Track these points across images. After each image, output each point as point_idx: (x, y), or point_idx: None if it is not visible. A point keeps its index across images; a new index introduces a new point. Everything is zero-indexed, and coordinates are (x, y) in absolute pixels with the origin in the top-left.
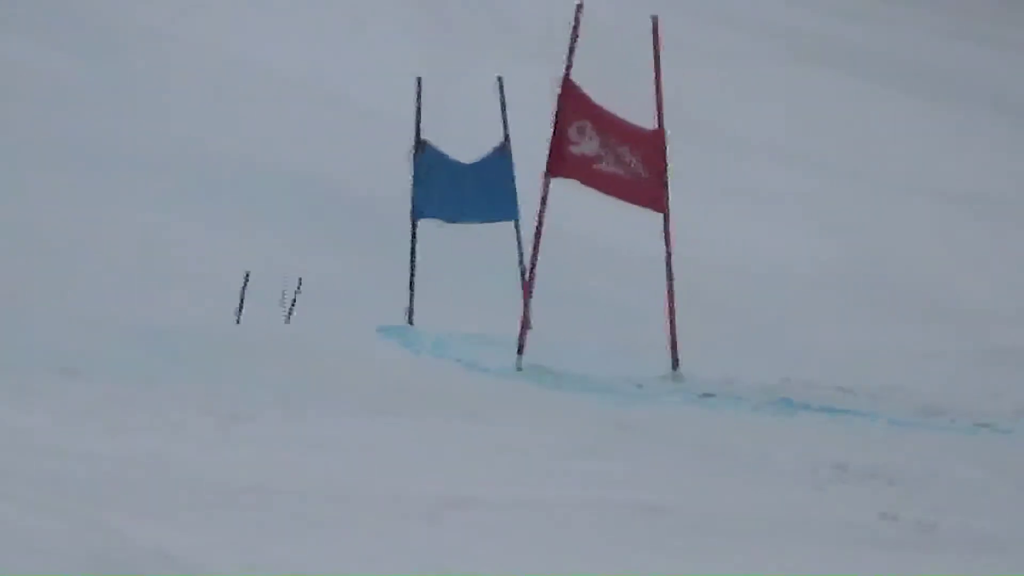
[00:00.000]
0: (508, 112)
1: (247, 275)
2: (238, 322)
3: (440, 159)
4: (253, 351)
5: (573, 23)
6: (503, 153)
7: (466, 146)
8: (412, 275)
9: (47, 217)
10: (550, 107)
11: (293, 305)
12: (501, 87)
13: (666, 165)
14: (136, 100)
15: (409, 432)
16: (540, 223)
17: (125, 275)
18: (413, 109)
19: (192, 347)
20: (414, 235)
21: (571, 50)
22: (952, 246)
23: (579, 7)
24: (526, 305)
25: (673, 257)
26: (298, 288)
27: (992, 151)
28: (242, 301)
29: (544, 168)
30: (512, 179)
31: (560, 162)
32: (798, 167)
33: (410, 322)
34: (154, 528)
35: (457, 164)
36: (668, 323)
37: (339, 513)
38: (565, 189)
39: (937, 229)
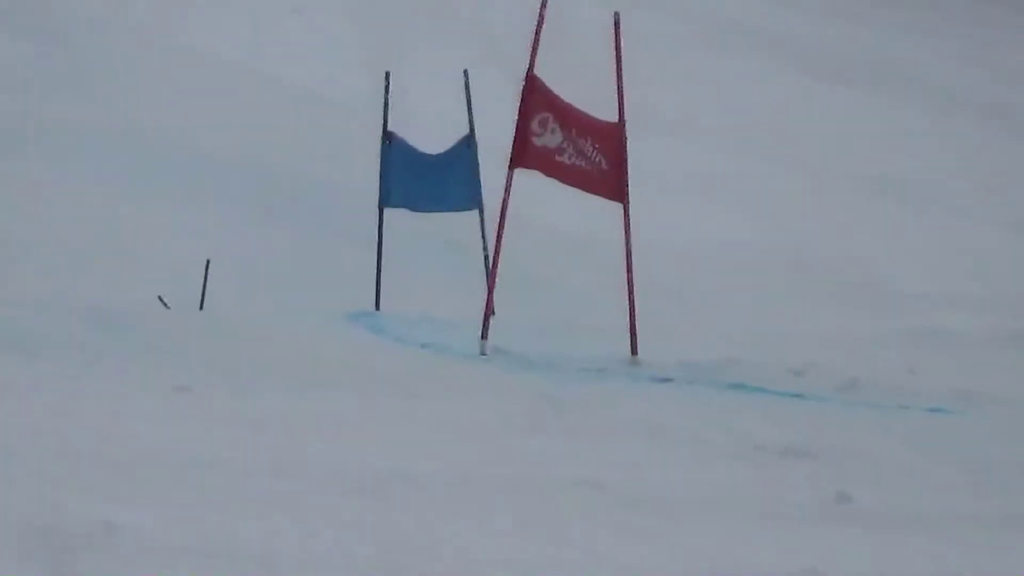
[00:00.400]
0: (440, 101)
1: (208, 263)
2: (201, 308)
3: (407, 150)
4: (203, 332)
5: (537, 20)
6: (468, 144)
7: (403, 129)
8: (379, 262)
9: (4, 194)
10: (487, 90)
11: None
12: (467, 81)
13: (626, 156)
14: (83, 85)
15: (357, 409)
16: (503, 213)
17: (73, 256)
18: (359, 96)
19: (137, 326)
20: (381, 223)
21: (534, 46)
22: (875, 230)
23: (544, 3)
24: (490, 291)
25: (632, 244)
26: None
27: (910, 135)
28: (204, 288)
29: (508, 159)
30: (476, 170)
31: (523, 154)
32: (728, 152)
33: (377, 307)
34: (100, 502)
35: (423, 155)
36: (628, 310)
37: (282, 487)
38: (528, 180)
39: (860, 213)
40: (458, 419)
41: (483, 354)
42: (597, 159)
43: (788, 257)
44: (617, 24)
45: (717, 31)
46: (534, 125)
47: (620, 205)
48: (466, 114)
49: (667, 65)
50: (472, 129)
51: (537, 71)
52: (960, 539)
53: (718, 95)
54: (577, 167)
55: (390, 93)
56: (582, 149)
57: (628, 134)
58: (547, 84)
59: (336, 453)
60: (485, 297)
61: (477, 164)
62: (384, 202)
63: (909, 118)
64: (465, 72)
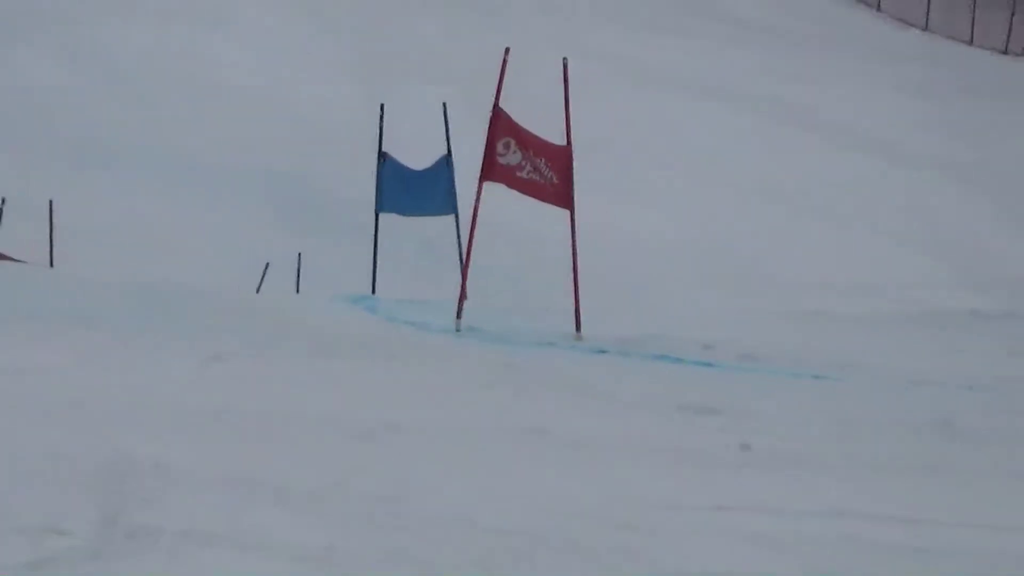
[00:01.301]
0: (423, 128)
1: (267, 265)
2: (258, 291)
3: (397, 166)
4: (231, 309)
5: (502, 64)
6: (446, 162)
7: (394, 149)
8: (375, 255)
9: (66, 200)
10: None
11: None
12: (445, 112)
13: (572, 173)
14: (132, 112)
15: (355, 372)
16: (475, 216)
17: (126, 247)
18: (358, 122)
19: (178, 304)
20: (376, 225)
21: (499, 85)
22: (772, 232)
23: (507, 50)
24: (464, 280)
25: (577, 243)
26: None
27: (804, 160)
28: (262, 280)
29: (479, 174)
30: (453, 182)
31: (491, 170)
32: (655, 168)
33: (373, 292)
34: (150, 444)
35: (410, 170)
36: (573, 295)
37: (295, 433)
38: (495, 191)
39: (760, 219)
40: (436, 380)
41: (457, 330)
42: (549, 175)
43: (702, 253)
44: (565, 67)
45: (646, 73)
46: (499, 147)
47: (568, 212)
48: (444, 138)
49: (604, 100)
50: (449, 150)
51: (502, 105)
52: (836, 478)
53: (647, 123)
54: (534, 181)
55: (384, 121)
56: (538, 167)
57: (574, 154)
58: (510, 115)
59: (338, 406)
60: (460, 285)
61: (453, 178)
62: (379, 208)
63: (804, 145)
64: (444, 105)
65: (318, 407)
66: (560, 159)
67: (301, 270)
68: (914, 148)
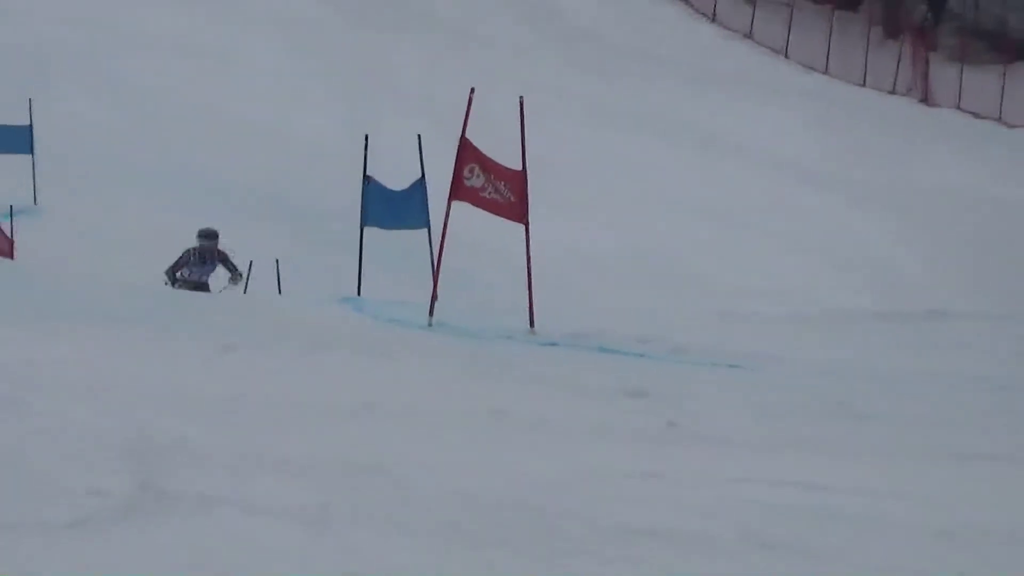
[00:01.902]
0: (401, 155)
1: (277, 261)
2: (279, 292)
3: (379, 187)
4: (238, 308)
5: (468, 101)
6: (421, 184)
7: (375, 172)
8: (360, 262)
9: (92, 212)
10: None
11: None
12: (420, 142)
13: (527, 193)
14: (151, 139)
15: (343, 362)
16: (444, 230)
17: (146, 254)
18: (345, 149)
19: (193, 304)
20: (361, 237)
21: (465, 120)
22: (699, 243)
23: (472, 90)
24: (435, 284)
25: (531, 252)
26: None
27: (730, 182)
28: (279, 281)
29: (448, 194)
30: (426, 201)
31: (458, 191)
32: (597, 188)
33: (359, 293)
34: (174, 424)
35: (390, 191)
36: (528, 297)
37: (295, 414)
38: (462, 209)
39: (689, 231)
40: (411, 369)
41: (430, 326)
42: (507, 195)
43: (640, 261)
44: (521, 104)
45: (594, 108)
46: (465, 172)
47: (523, 226)
48: (419, 164)
49: (557, 131)
50: (423, 174)
51: (468, 135)
52: (749, 451)
53: (594, 150)
54: (494, 200)
55: (368, 148)
56: (498, 188)
57: (530, 177)
58: (475, 145)
59: (330, 391)
60: (432, 288)
61: (426, 198)
62: (364, 222)
63: (728, 169)
64: (419, 136)
65: (312, 391)
66: (516, 181)
67: (290, 274)
68: (820, 172)
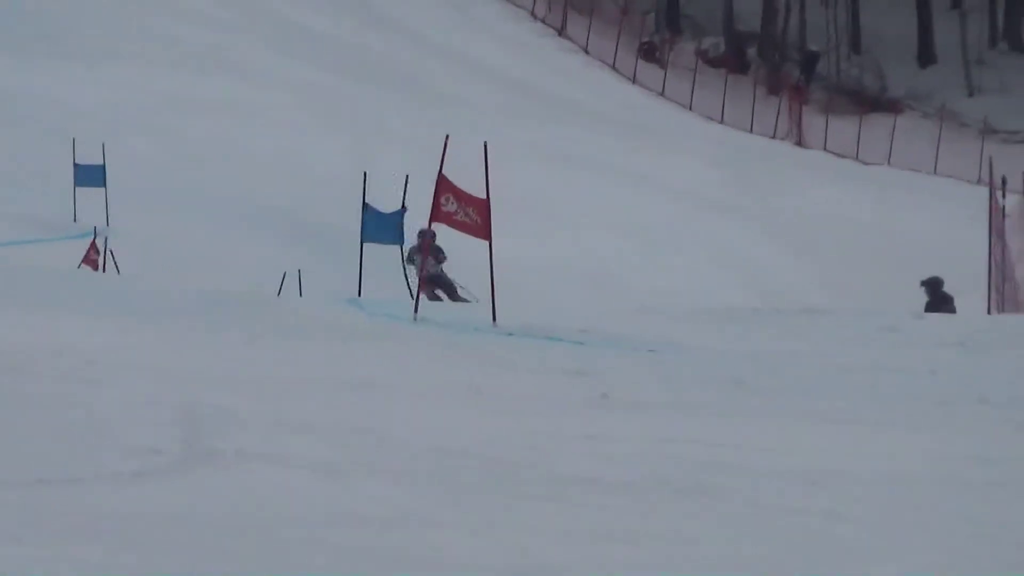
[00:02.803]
0: (392, 187)
1: (284, 274)
2: (300, 295)
3: (375, 212)
4: (262, 308)
5: (444, 145)
6: (403, 210)
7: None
8: (360, 270)
9: (154, 233)
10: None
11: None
12: (406, 180)
13: (490, 217)
14: (187, 167)
15: (345, 350)
16: (427, 246)
17: (179, 258)
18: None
19: (222, 304)
20: (361, 249)
21: (442, 160)
22: (616, 252)
23: (447, 137)
24: (420, 288)
25: (493, 263)
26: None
27: (633, 202)
28: (281, 286)
29: (429, 217)
30: (402, 224)
31: (437, 215)
32: (547, 215)
33: (359, 295)
34: (217, 396)
35: (382, 214)
36: (491, 296)
37: (307, 389)
38: (440, 229)
39: (617, 245)
40: (400, 354)
41: (415, 320)
42: (475, 218)
43: (581, 271)
44: (485, 148)
45: (544, 152)
46: (442, 200)
47: (487, 243)
48: (403, 193)
49: (517, 170)
50: (403, 204)
51: (445, 172)
52: (664, 418)
53: (546, 186)
54: (465, 222)
55: (366, 183)
56: (467, 212)
57: (495, 205)
58: (449, 179)
59: (333, 371)
60: (416, 291)
61: (403, 221)
62: (363, 239)
63: (646, 198)
64: (406, 176)
65: (319, 372)
66: (482, 208)
67: (307, 280)
68: (717, 199)
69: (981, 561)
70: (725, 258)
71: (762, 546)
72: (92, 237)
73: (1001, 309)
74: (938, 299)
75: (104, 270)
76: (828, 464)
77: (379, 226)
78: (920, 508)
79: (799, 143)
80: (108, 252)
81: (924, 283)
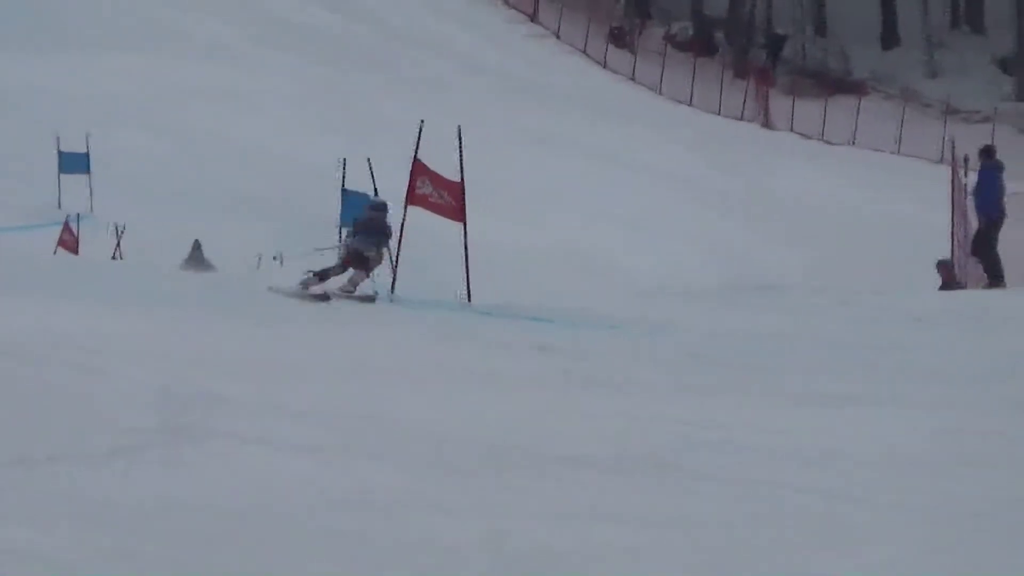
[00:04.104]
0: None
1: (259, 256)
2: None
3: (352, 195)
4: (260, 294)
5: (419, 132)
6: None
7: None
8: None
9: (138, 219)
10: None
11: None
12: (370, 165)
13: (464, 199)
14: (195, 165)
15: (336, 331)
16: (402, 227)
17: (183, 251)
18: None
19: (226, 290)
20: (340, 233)
21: (417, 145)
22: (602, 237)
23: (422, 121)
24: (395, 268)
25: (468, 244)
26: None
27: (612, 184)
28: (259, 265)
29: (405, 199)
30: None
31: (412, 197)
32: (526, 197)
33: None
34: (206, 379)
35: (359, 196)
36: (466, 278)
37: (304, 372)
38: (418, 212)
39: (594, 228)
40: (383, 335)
41: (391, 301)
42: (449, 200)
43: (557, 253)
44: (460, 132)
45: (522, 134)
46: (418, 183)
47: (461, 224)
48: (387, 179)
49: (495, 152)
50: (375, 188)
51: (423, 156)
52: (622, 392)
53: (524, 168)
54: (440, 204)
55: (346, 169)
56: (442, 195)
57: (470, 186)
58: (425, 164)
59: (327, 353)
60: (393, 270)
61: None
62: (342, 222)
63: (624, 180)
64: (368, 159)
65: (315, 356)
66: (456, 190)
67: (300, 264)
68: (688, 178)
69: (972, 543)
70: (695, 237)
71: (754, 526)
72: (72, 222)
73: (964, 286)
74: (951, 280)
75: (79, 253)
76: (798, 441)
77: (353, 208)
78: (908, 489)
79: (766, 125)
80: (118, 239)
81: (938, 264)
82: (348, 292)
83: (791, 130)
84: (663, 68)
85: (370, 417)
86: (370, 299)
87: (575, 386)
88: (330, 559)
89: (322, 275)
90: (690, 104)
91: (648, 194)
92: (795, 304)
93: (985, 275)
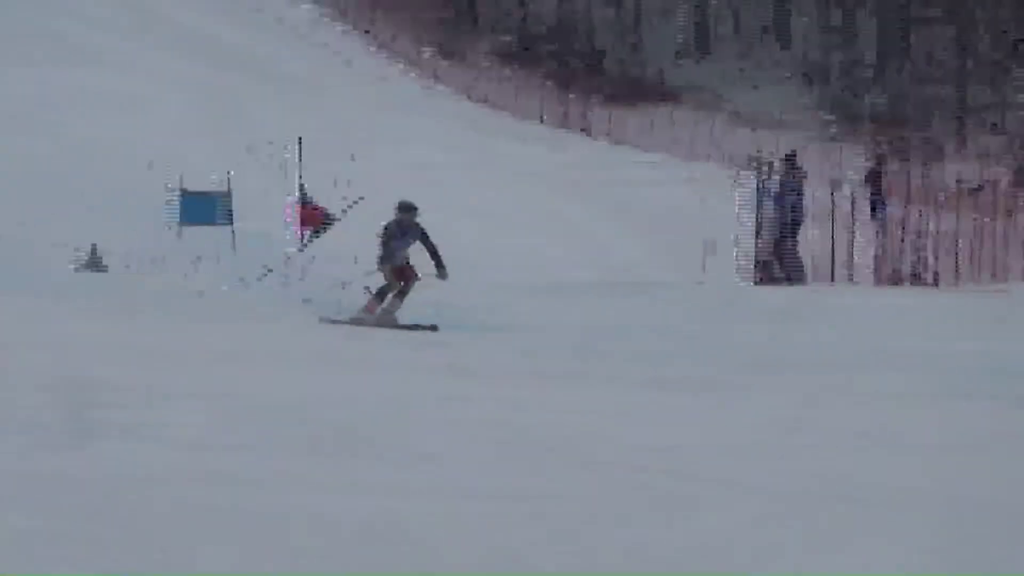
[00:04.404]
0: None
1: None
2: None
3: (193, 196)
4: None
5: (299, 149)
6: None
7: None
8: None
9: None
10: None
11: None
12: (229, 179)
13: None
14: (74, 165)
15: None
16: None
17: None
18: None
19: (96, 287)
20: (180, 232)
21: (299, 156)
22: (462, 232)
23: (299, 139)
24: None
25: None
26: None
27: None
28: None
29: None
30: (231, 208)
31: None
32: (481, 213)
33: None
34: (102, 367)
35: (200, 197)
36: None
37: (279, 361)
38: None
39: (457, 224)
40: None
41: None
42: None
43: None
44: (299, 142)
45: (388, 138)
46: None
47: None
48: (252, 178)
49: (368, 154)
50: (229, 189)
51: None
52: (515, 385)
53: (394, 168)
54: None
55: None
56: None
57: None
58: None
59: (301, 347)
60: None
61: (231, 204)
62: (181, 220)
63: (494, 181)
64: (228, 172)
65: (286, 346)
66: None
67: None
68: (558, 180)
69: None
70: (570, 236)
71: (626, 504)
72: None
73: (760, 280)
74: (767, 276)
75: None
76: (665, 430)
77: (198, 209)
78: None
79: (586, 131)
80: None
81: (756, 264)
82: (391, 320)
83: (607, 135)
84: (494, 80)
85: (248, 401)
86: (433, 328)
87: (454, 376)
88: (206, 529)
89: (380, 294)
90: (514, 114)
91: (515, 193)
92: (658, 299)
93: (786, 274)
